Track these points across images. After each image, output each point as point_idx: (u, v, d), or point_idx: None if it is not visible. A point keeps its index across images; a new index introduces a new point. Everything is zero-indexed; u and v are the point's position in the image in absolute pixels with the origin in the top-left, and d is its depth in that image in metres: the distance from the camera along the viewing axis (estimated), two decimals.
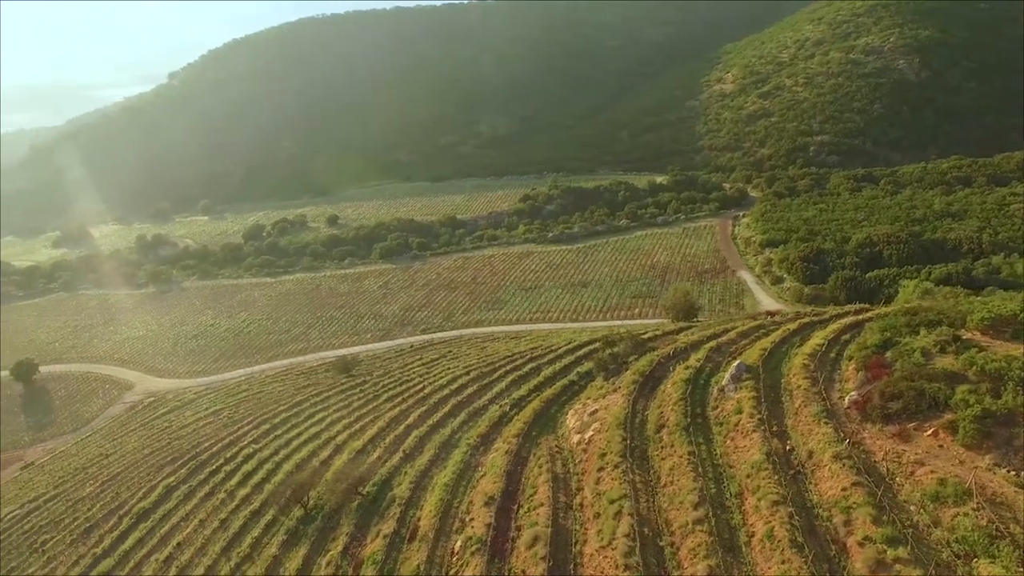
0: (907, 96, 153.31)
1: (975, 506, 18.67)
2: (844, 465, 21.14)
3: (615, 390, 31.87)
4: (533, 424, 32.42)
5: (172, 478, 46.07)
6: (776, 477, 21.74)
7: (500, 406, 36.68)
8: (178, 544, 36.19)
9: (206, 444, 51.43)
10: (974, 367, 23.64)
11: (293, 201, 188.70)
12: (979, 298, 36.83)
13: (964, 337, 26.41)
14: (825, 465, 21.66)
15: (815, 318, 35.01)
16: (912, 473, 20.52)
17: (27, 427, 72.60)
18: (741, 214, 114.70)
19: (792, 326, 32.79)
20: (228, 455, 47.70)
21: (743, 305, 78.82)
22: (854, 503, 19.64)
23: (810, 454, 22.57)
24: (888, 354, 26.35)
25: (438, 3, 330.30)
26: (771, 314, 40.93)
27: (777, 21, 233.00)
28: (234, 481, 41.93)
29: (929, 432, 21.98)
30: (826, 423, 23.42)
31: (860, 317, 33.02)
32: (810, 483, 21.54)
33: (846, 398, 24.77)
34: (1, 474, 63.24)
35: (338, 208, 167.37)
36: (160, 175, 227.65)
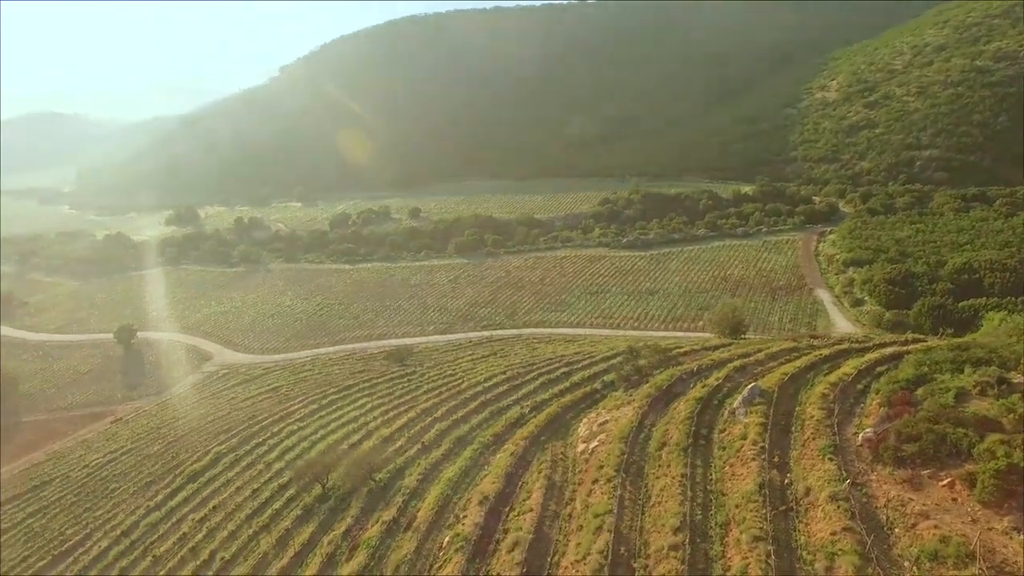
0: None
1: (977, 572, 16.82)
2: (839, 507, 19.64)
3: (630, 402, 31.12)
4: (545, 429, 32.25)
5: (223, 446, 49.40)
6: (764, 511, 20.54)
7: (520, 408, 36.69)
8: (214, 507, 38.86)
9: (260, 417, 54.70)
10: (1012, 415, 21.23)
11: (381, 192, 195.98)
12: None
13: (1014, 380, 23.72)
14: (820, 505, 20.22)
15: (856, 345, 32.53)
16: (914, 526, 18.75)
17: (121, 386, 79.85)
18: (828, 230, 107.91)
19: (826, 351, 30.69)
20: (275, 430, 50.59)
21: (815, 326, 74.30)
22: (840, 550, 18.23)
23: (807, 491, 21.13)
24: (919, 391, 24.14)
25: (537, 3, 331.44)
26: (814, 337, 38.40)
27: (899, 24, 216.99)
28: (273, 455, 44.44)
29: (944, 482, 19.97)
30: (831, 459, 21.82)
31: (904, 348, 30.39)
32: (801, 522, 20.18)
33: (860, 435, 22.94)
34: (95, 425, 70.24)
35: (422, 201, 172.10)
36: (264, 162, 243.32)
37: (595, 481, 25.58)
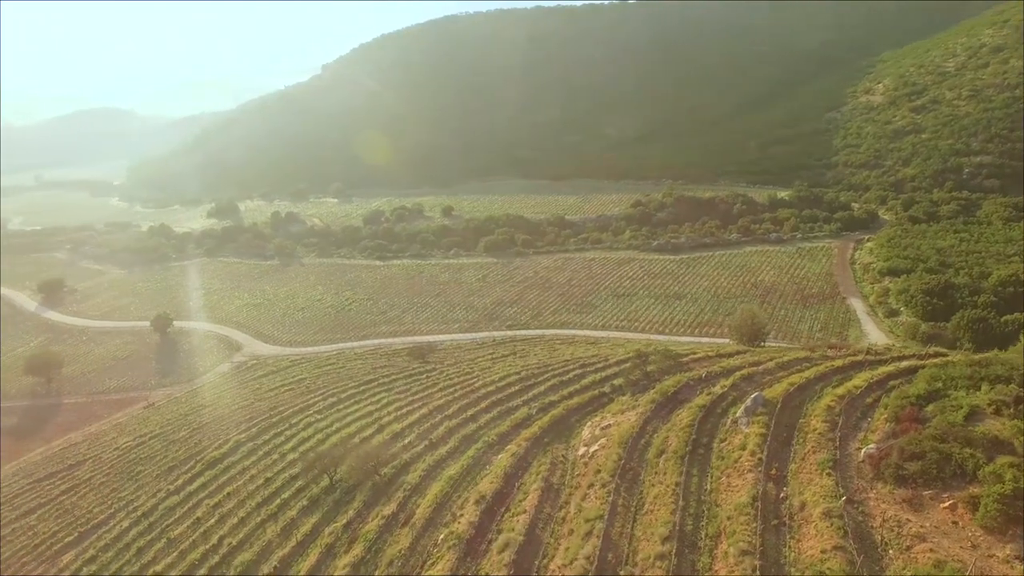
0: None
1: None
2: (833, 524, 19.07)
3: (634, 407, 30.78)
4: (548, 430, 32.17)
5: (244, 435, 50.69)
6: (755, 524, 20.08)
7: (528, 409, 36.66)
8: (228, 493, 39.95)
9: (280, 408, 55.92)
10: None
11: (416, 190, 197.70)
12: None
13: None
14: (813, 521, 19.66)
15: (872, 357, 31.46)
16: (909, 548, 18.08)
17: (155, 372, 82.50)
18: (866, 237, 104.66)
19: (839, 362, 29.77)
20: (293, 421, 51.67)
21: (846, 336, 72.22)
22: (828, 569, 17.71)
23: (802, 505, 20.57)
24: (929, 407, 23.24)
25: (578, 3, 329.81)
26: (832, 347, 37.27)
27: (953, 26, 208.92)
28: (288, 445, 45.41)
29: (946, 504, 19.18)
30: (829, 474, 21.20)
31: (922, 362, 29.27)
32: (792, 538, 19.66)
33: (863, 450, 22.20)
34: (129, 409, 72.81)
35: (455, 200, 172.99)
36: (304, 157, 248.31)
37: (591, 485, 25.41)
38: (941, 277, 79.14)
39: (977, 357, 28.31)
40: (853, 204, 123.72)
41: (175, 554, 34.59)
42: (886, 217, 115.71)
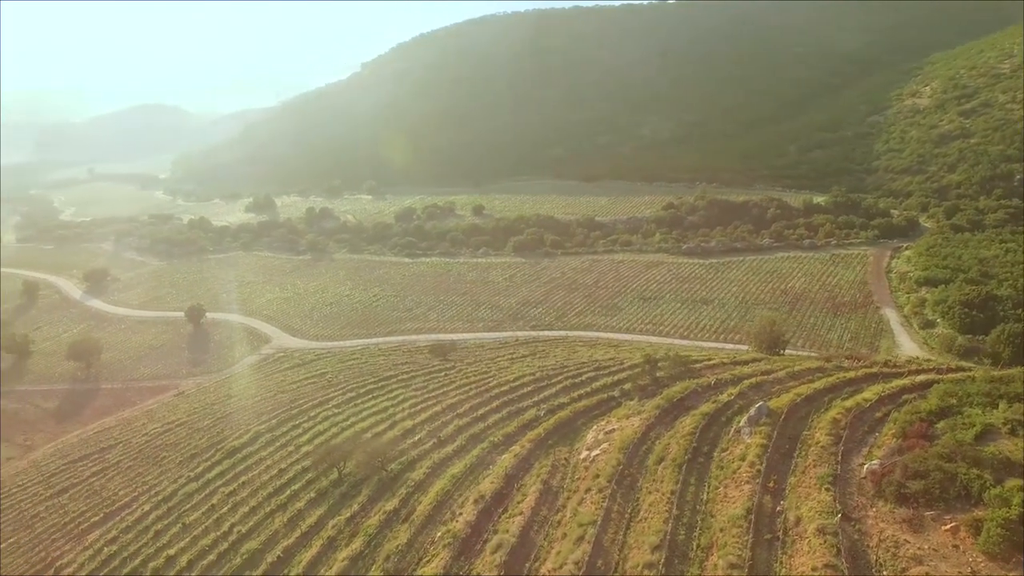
0: None
1: None
2: (826, 542, 18.57)
3: (639, 413, 30.47)
4: (553, 433, 32.10)
5: (263, 426, 51.85)
6: (747, 538, 19.69)
7: (536, 410, 36.62)
8: (243, 483, 40.97)
9: (300, 401, 57.02)
10: None
11: (448, 188, 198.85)
12: None
13: None
14: (807, 537, 19.18)
15: (888, 369, 30.45)
16: (904, 570, 17.50)
17: (187, 361, 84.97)
18: (904, 245, 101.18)
19: (852, 374, 28.90)
20: (312, 414, 52.64)
21: (877, 347, 70.05)
22: None
23: (798, 520, 20.08)
24: (940, 424, 22.41)
25: (616, 4, 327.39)
26: (849, 357, 36.17)
27: (1009, 26, 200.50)
28: (304, 438, 46.30)
29: (947, 526, 18.46)
30: (828, 490, 20.63)
31: (939, 376, 28.19)
32: (785, 553, 19.21)
33: (865, 466, 21.53)
34: (160, 397, 75.17)
35: (486, 199, 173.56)
36: (340, 155, 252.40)
37: (588, 490, 25.28)
38: (982, 288, 76.07)
39: (998, 373, 27.13)
40: (892, 211, 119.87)
41: (188, 539, 35.65)
42: (927, 225, 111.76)
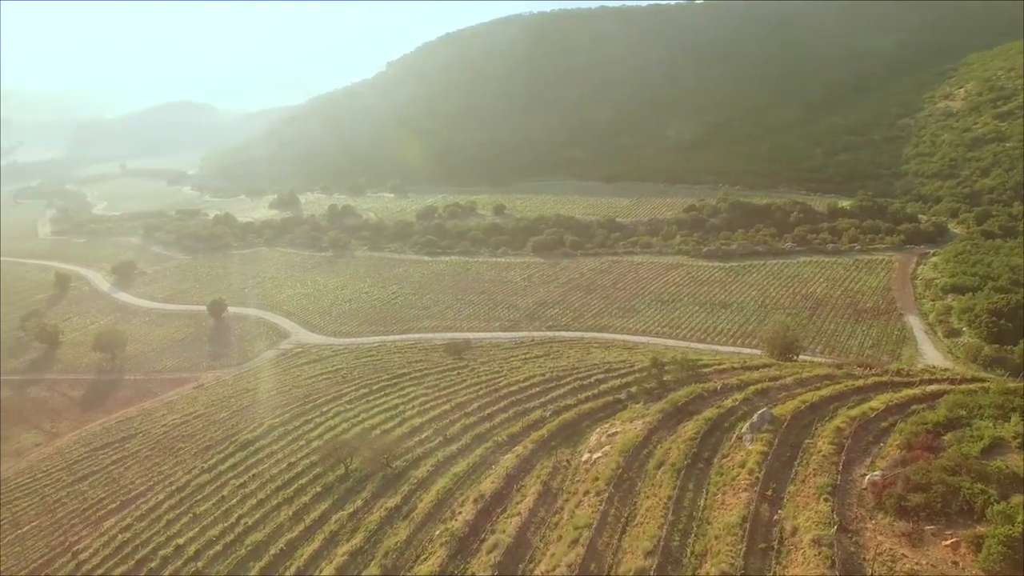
0: None
1: None
2: (821, 553, 18.25)
3: (643, 416, 30.26)
4: (557, 434, 32.04)
5: (277, 419, 52.69)
6: (741, 547, 19.43)
7: (542, 411, 36.58)
8: (253, 475, 41.65)
9: (314, 396, 57.76)
10: None
11: (470, 188, 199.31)
12: None
13: None
14: (802, 547, 18.87)
15: (899, 379, 29.78)
16: None
17: (208, 355, 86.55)
18: (931, 252, 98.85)
19: (861, 382, 28.33)
20: (324, 409, 53.30)
21: (899, 355, 68.56)
22: None
23: (794, 530, 19.77)
24: (948, 436, 21.86)
25: (643, 4, 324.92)
26: (863, 365, 35.41)
27: None
28: (315, 432, 46.89)
29: (948, 542, 18.00)
30: (826, 500, 20.27)
31: (952, 387, 27.47)
32: (778, 563, 18.93)
33: (867, 477, 21.10)
34: (180, 389, 76.68)
35: (508, 199, 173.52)
36: (364, 153, 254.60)
37: (586, 493, 25.19)
38: (1012, 297, 74.02)
39: (1014, 385, 26.36)
40: (920, 216, 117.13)
41: (197, 529, 36.37)
42: (956, 231, 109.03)
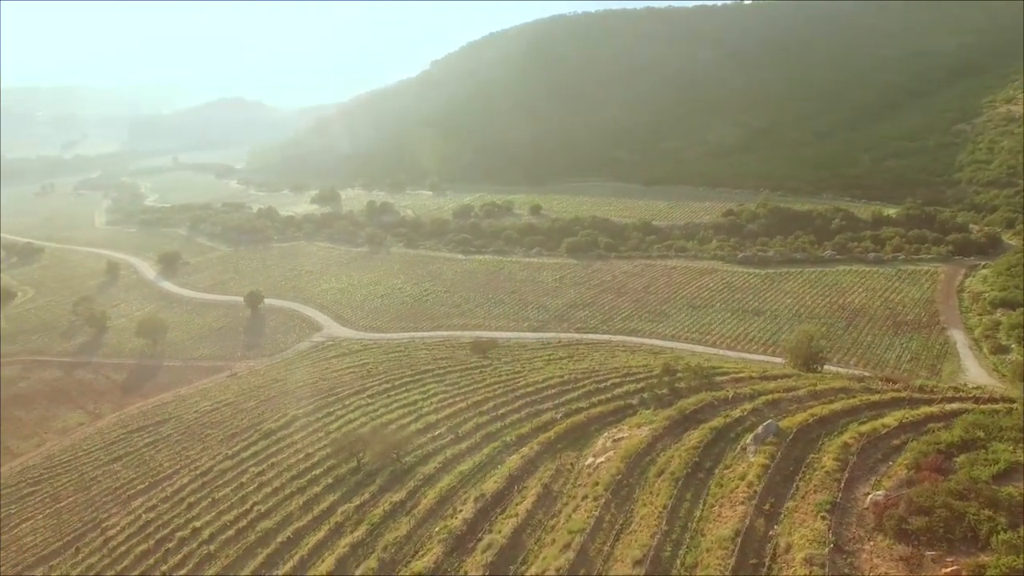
0: None
1: None
2: (812, 573, 17.75)
3: (651, 423, 29.86)
4: (564, 437, 31.93)
5: (300, 410, 53.92)
6: (731, 561, 19.01)
7: (553, 413, 36.48)
8: (271, 464, 42.70)
9: (338, 390, 58.92)
10: None
11: (509, 187, 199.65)
12: None
13: None
14: (794, 566, 18.36)
15: (919, 395, 28.55)
16: None
17: (243, 344, 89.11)
18: (981, 264, 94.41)
19: (877, 397, 27.29)
20: (347, 402, 54.28)
21: (939, 371, 65.78)
22: None
23: (788, 547, 19.22)
24: (961, 458, 20.90)
25: (689, 4, 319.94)
26: (886, 380, 34.04)
27: None
28: (335, 425, 47.81)
29: (948, 569, 17.23)
30: (824, 518, 19.66)
31: (977, 406, 26.21)
32: None
33: (869, 496, 20.35)
34: (215, 377, 79.15)
35: (545, 199, 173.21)
36: (406, 150, 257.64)
37: (585, 497, 25.05)
38: None
39: None
40: (972, 225, 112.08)
41: (214, 513, 37.56)
42: (1011, 242, 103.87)
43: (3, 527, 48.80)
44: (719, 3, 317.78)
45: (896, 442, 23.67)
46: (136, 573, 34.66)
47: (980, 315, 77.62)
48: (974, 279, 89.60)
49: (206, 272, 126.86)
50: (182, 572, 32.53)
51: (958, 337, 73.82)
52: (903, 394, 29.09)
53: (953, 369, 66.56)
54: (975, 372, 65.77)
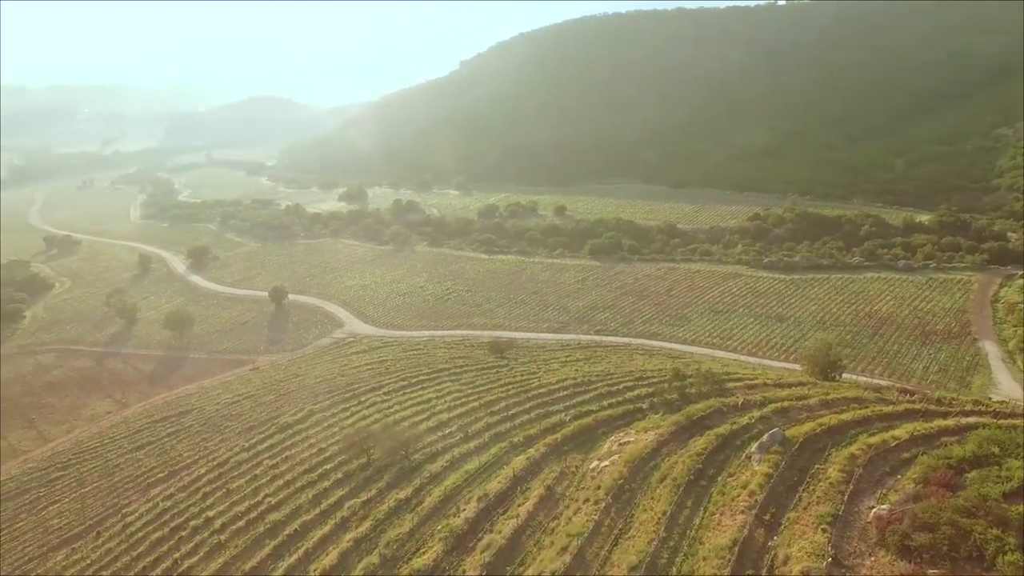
0: None
1: None
2: None
3: (658, 427, 29.60)
4: (571, 439, 31.84)
5: (317, 405, 54.68)
6: (727, 571, 18.75)
7: (562, 415, 36.40)
8: (285, 457, 43.43)
9: (355, 386, 59.53)
10: None
11: (534, 188, 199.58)
12: None
13: None
14: None
15: (934, 407, 27.75)
16: None
17: (266, 339, 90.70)
18: (1019, 273, 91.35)
19: (890, 408, 26.60)
20: (363, 399, 54.85)
21: (969, 383, 63.86)
22: None
23: (786, 559, 18.88)
24: (972, 473, 20.28)
25: (721, 5, 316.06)
26: (905, 391, 33.13)
27: None
28: (350, 420, 48.36)
29: None
30: (824, 531, 19.27)
31: (995, 420, 25.38)
32: None
33: (873, 510, 19.87)
34: (237, 370, 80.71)
35: (570, 200, 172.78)
36: (433, 149, 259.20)
37: (586, 500, 24.97)
38: None
39: None
40: (1010, 233, 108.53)
41: (227, 503, 38.34)
42: None
43: (33, 509, 50.59)
44: (751, 4, 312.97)
45: (906, 455, 23.07)
46: (150, 559, 35.50)
47: (1015, 326, 75.14)
48: (1010, 289, 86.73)
49: (234, 267, 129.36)
50: (193, 560, 33.26)
51: (991, 349, 71.54)
52: (918, 406, 28.30)
53: (984, 382, 64.52)
54: (1008, 386, 63.67)
